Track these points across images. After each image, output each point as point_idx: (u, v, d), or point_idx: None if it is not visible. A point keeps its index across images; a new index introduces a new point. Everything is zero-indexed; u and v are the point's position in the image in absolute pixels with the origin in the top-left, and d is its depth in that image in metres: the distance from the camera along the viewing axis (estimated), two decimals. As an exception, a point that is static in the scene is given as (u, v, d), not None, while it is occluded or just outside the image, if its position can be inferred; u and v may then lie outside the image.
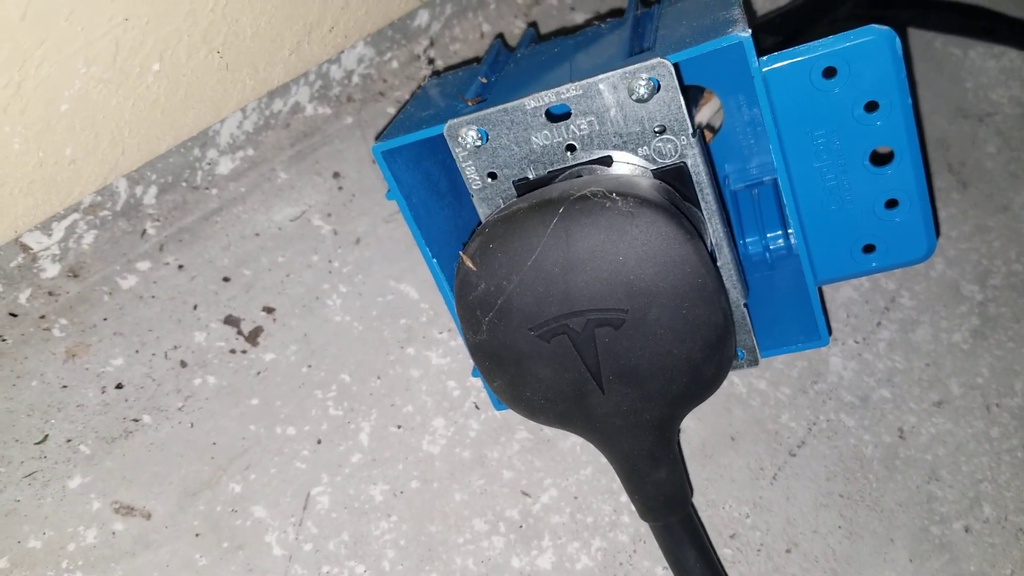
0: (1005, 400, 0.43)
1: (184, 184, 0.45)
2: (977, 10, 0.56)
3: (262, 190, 0.47)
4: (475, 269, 0.31)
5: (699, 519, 0.38)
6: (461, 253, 0.31)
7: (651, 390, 0.31)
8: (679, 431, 0.36)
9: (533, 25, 0.52)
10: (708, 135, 0.41)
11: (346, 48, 0.45)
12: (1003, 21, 0.55)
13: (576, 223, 0.29)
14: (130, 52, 0.34)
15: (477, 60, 0.47)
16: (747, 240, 0.41)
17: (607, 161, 0.33)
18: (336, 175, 0.48)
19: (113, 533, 0.37)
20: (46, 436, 0.39)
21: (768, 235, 0.40)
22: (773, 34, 0.48)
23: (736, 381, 0.43)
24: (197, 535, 0.37)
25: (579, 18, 0.55)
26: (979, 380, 0.44)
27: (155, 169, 0.43)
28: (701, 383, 0.31)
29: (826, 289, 0.46)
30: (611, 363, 0.31)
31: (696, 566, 0.35)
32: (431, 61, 0.48)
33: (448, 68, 0.50)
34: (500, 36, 0.51)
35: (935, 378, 0.44)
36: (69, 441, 0.39)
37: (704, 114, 0.41)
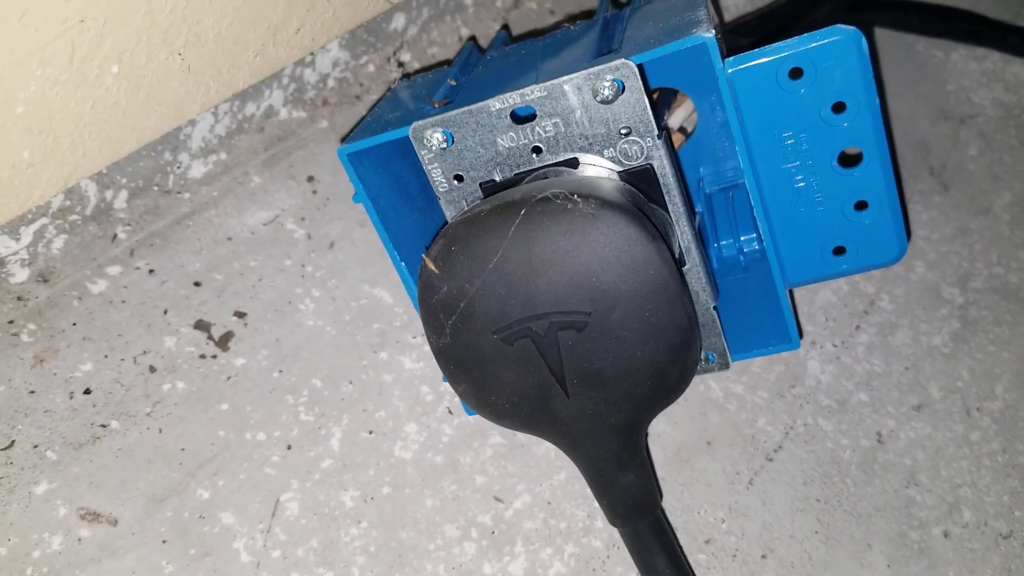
0: (985, 404, 0.43)
1: (155, 188, 0.45)
2: (959, 12, 0.55)
3: (235, 194, 0.46)
4: (437, 272, 0.31)
5: (670, 524, 0.38)
6: (423, 256, 0.31)
7: (616, 393, 0.31)
8: (647, 435, 0.35)
9: (506, 27, 0.51)
10: (681, 138, 0.41)
11: (315, 50, 0.45)
12: (985, 23, 0.55)
13: (537, 225, 0.29)
14: (87, 54, 0.33)
15: (450, 63, 0.46)
16: (721, 243, 0.40)
17: (573, 163, 0.33)
18: (310, 179, 0.48)
19: (79, 540, 0.37)
20: (12, 442, 0.39)
21: (742, 238, 0.40)
22: (748, 36, 0.48)
23: (712, 385, 0.43)
24: (164, 542, 0.37)
25: (558, 22, 0.55)
26: (959, 384, 0.43)
27: (125, 173, 0.43)
28: (666, 386, 0.31)
29: (804, 292, 0.46)
30: (575, 366, 0.31)
31: (666, 571, 0.34)
32: (401, 64, 0.48)
33: (421, 70, 0.50)
34: (472, 38, 0.51)
35: (914, 382, 0.43)
36: (36, 447, 0.39)
37: (677, 117, 0.40)
